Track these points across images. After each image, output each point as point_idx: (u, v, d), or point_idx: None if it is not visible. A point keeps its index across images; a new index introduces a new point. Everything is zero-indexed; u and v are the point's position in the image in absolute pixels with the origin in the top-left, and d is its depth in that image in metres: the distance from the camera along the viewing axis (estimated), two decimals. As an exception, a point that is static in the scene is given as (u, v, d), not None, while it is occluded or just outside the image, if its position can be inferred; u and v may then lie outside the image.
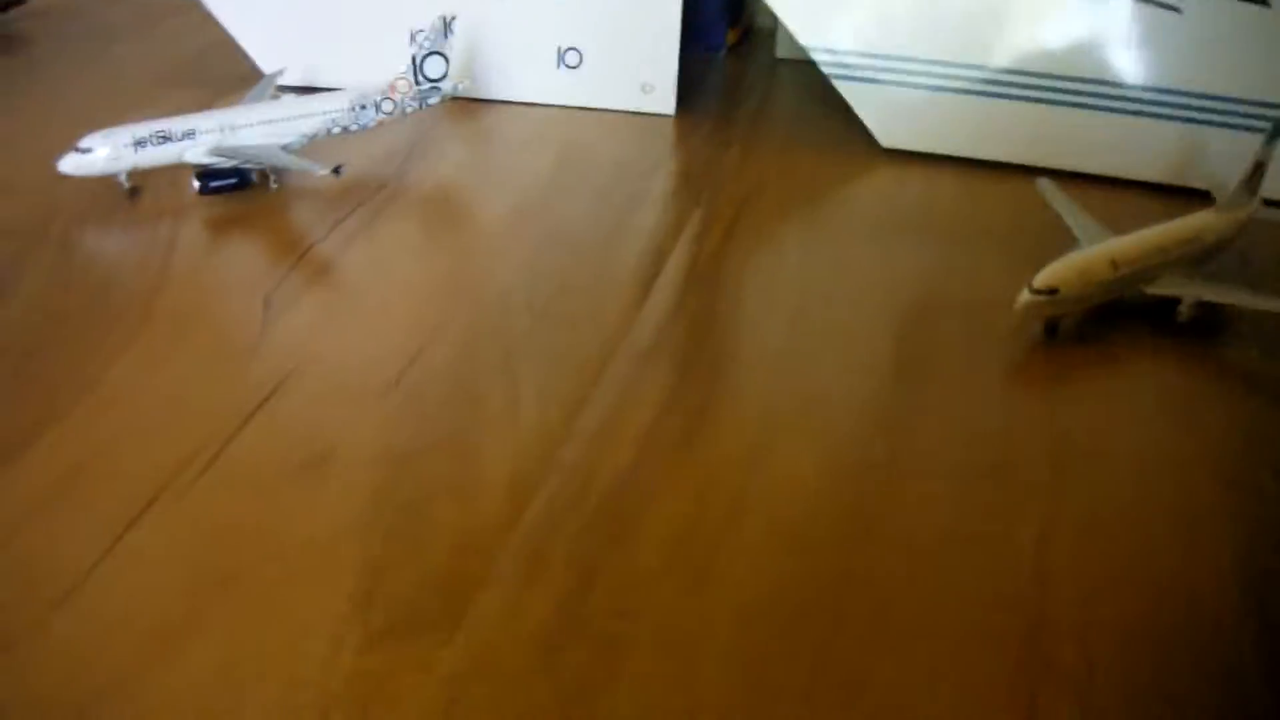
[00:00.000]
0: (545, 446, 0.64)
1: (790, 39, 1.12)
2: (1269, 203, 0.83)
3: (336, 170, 0.87)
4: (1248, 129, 0.88)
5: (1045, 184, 0.86)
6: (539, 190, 0.93)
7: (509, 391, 0.69)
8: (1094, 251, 0.74)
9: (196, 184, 0.90)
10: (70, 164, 0.88)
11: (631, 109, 1.04)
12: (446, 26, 0.95)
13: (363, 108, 0.94)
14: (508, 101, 1.06)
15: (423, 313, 0.77)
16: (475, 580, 0.56)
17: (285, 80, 1.04)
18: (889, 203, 0.93)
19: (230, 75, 1.09)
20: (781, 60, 1.18)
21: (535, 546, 0.58)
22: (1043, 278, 0.71)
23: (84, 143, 0.88)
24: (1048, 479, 0.63)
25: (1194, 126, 0.91)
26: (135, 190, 0.90)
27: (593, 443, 0.65)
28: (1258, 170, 0.80)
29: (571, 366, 0.71)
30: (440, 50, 0.95)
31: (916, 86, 0.96)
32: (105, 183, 0.89)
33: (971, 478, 0.63)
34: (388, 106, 0.95)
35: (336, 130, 0.94)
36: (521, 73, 1.05)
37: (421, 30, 0.96)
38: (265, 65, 1.08)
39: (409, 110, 0.96)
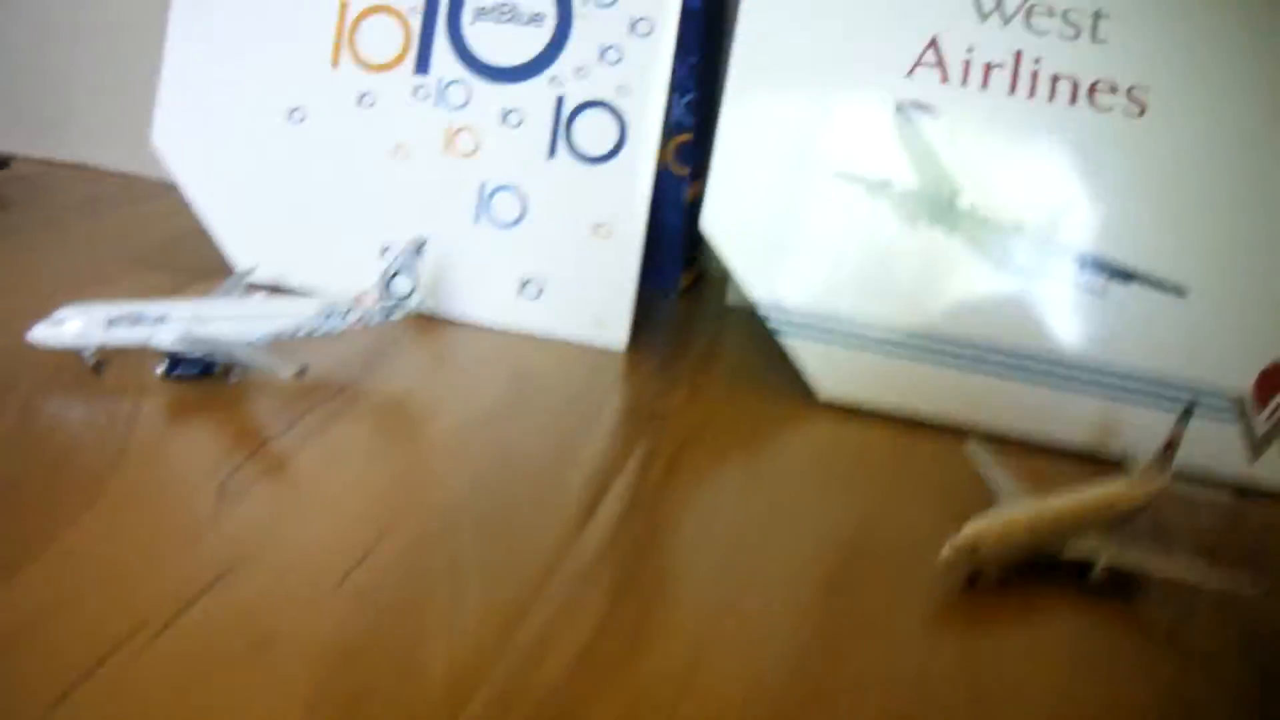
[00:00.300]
0: (483, 656, 0.66)
1: (740, 289, 1.18)
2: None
3: (300, 372, 0.90)
4: (1162, 407, 0.94)
5: (974, 447, 0.90)
6: (491, 410, 0.96)
7: (451, 599, 0.71)
8: (1014, 512, 0.78)
9: (161, 368, 0.92)
10: (41, 334, 0.90)
11: (584, 340, 1.08)
12: (418, 249, 1.00)
13: (330, 315, 0.98)
14: (467, 323, 1.10)
15: (373, 515, 0.79)
16: (408, 777, 0.57)
17: (256, 278, 1.08)
18: (825, 451, 0.97)
19: (201, 265, 1.13)
20: (731, 308, 1.24)
21: (469, 749, 0.59)
22: (964, 536, 0.75)
23: (59, 314, 0.91)
24: (965, 724, 0.65)
25: (1113, 402, 0.97)
26: (100, 365, 0.92)
27: (529, 656, 0.66)
28: (1170, 446, 0.85)
29: (513, 580, 0.73)
30: (409, 269, 1.00)
31: (856, 346, 1.01)
32: (71, 355, 0.91)
33: (893, 716, 0.65)
34: (354, 316, 0.99)
35: (302, 334, 0.97)
36: (483, 296, 1.10)
37: (390, 249, 1.00)
38: (237, 259, 1.12)
39: (373, 323, 1.00)
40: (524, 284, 1.09)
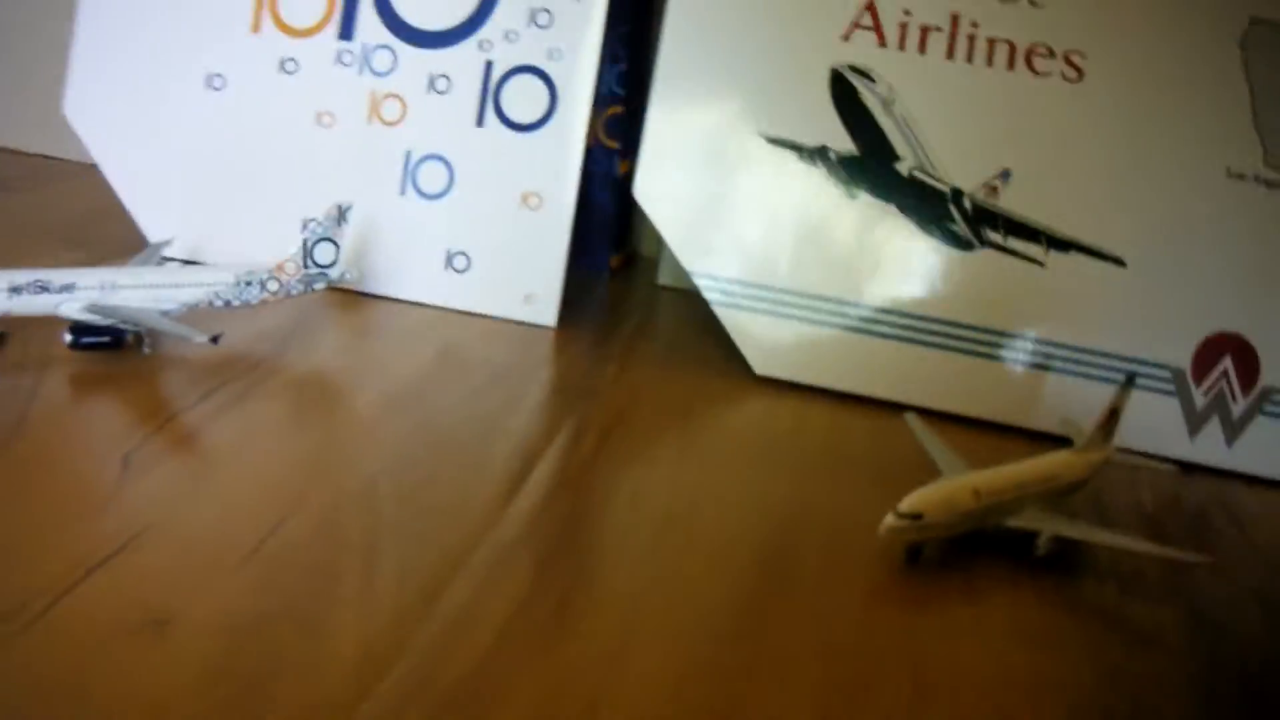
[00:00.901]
0: (400, 629, 0.61)
1: (673, 267, 1.15)
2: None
3: (215, 339, 0.84)
4: (1102, 379, 0.91)
5: (912, 418, 0.87)
6: (414, 385, 0.91)
7: (367, 572, 0.66)
8: (959, 481, 0.74)
9: (69, 337, 0.86)
10: None
11: (514, 317, 1.04)
12: (341, 215, 0.95)
13: (248, 284, 0.92)
14: (392, 298, 1.05)
15: (286, 489, 0.74)
16: (314, 758, 0.52)
17: (172, 252, 1.02)
18: (760, 426, 0.93)
19: (116, 240, 1.06)
20: (663, 288, 1.19)
21: (382, 726, 0.54)
22: (909, 502, 0.71)
23: (-39, 283, 0.84)
24: (909, 700, 0.61)
25: (1053, 375, 0.94)
26: (2, 337, 0.86)
27: (449, 629, 0.62)
28: (1112, 416, 0.82)
29: (433, 553, 0.68)
30: (332, 237, 0.95)
31: (793, 319, 0.98)
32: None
33: (832, 692, 0.61)
34: (273, 286, 0.93)
35: (219, 303, 0.92)
36: (409, 271, 1.05)
37: (314, 218, 0.95)
38: (153, 235, 1.06)
39: (294, 292, 0.94)
40: (451, 257, 1.04)
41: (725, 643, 0.64)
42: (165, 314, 0.89)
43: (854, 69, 0.96)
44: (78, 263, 0.97)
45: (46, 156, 1.35)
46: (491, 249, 1.04)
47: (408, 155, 1.04)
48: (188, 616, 0.60)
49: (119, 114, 1.08)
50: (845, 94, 0.96)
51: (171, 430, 0.79)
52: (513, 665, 0.59)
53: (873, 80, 0.96)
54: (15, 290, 0.85)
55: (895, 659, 0.64)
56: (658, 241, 1.16)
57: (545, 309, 1.03)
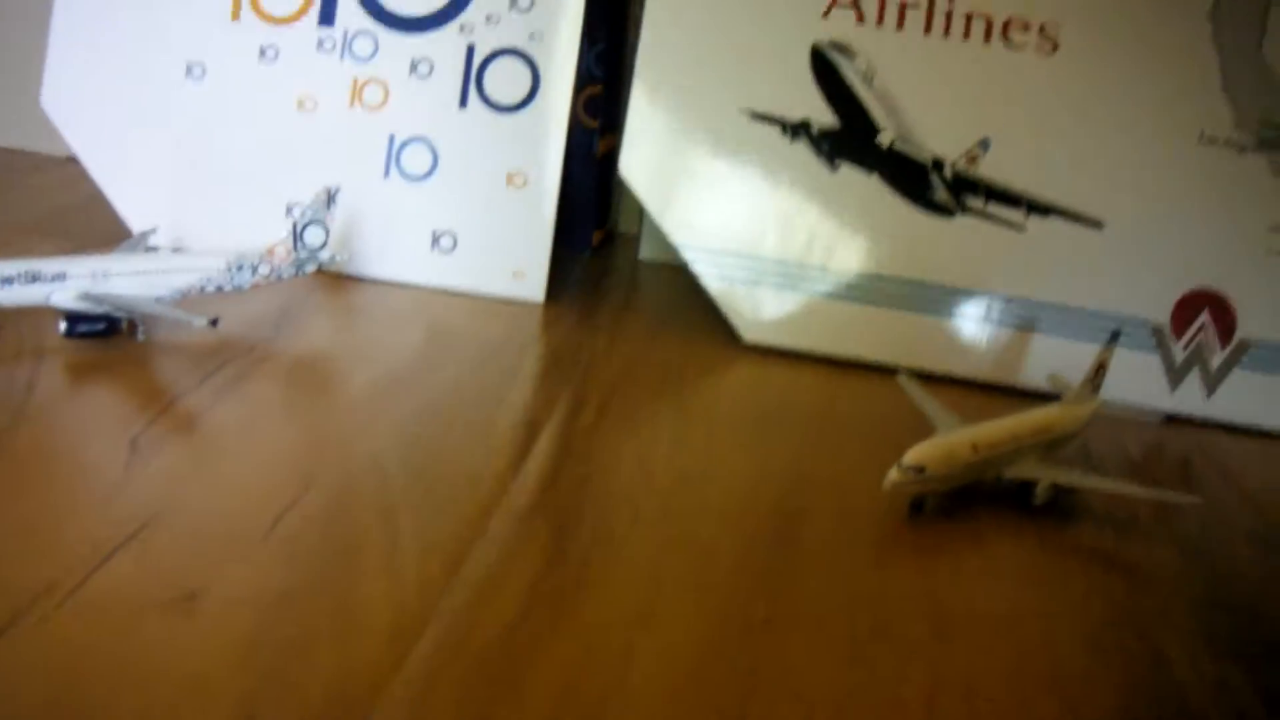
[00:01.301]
0: (427, 596, 0.61)
1: (654, 243, 1.15)
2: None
3: (213, 322, 0.84)
4: (1085, 338, 0.92)
5: (905, 378, 0.87)
6: (410, 363, 0.91)
7: (388, 542, 0.65)
8: (957, 435, 0.75)
9: (63, 326, 0.85)
10: None
11: (502, 294, 1.03)
12: (330, 198, 0.94)
13: (239, 269, 0.91)
14: (380, 280, 1.04)
15: (295, 467, 0.74)
16: (358, 721, 0.52)
17: (157, 241, 1.01)
18: (755, 393, 0.93)
19: (97, 232, 1.05)
20: (645, 263, 1.19)
21: (419, 692, 0.54)
22: (911, 456, 0.72)
23: (-54, 275, 0.83)
24: (928, 641, 0.62)
25: (1036, 334, 0.95)
26: (-8, 325, 0.85)
27: (476, 594, 0.62)
28: (1099, 370, 0.83)
29: (451, 523, 0.68)
30: (321, 220, 0.94)
31: (779, 288, 0.98)
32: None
33: (854, 638, 0.61)
34: (264, 270, 0.92)
35: (210, 289, 0.91)
36: (396, 252, 1.04)
37: (299, 203, 0.94)
38: (136, 225, 1.05)
39: (285, 276, 0.94)
40: (438, 237, 1.04)
41: (747, 600, 0.64)
42: (157, 300, 0.88)
43: (834, 44, 0.97)
44: (59, 252, 0.96)
45: (20, 150, 1.33)
46: (478, 228, 1.04)
47: (391, 139, 1.04)
48: (216, 592, 0.59)
49: (98, 105, 1.06)
50: (826, 70, 0.97)
51: (175, 414, 0.78)
52: (542, 628, 0.59)
53: (852, 55, 0.97)
54: (6, 281, 0.84)
55: (912, 604, 0.65)
56: (638, 218, 1.16)
57: (533, 284, 1.03)
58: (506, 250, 1.03)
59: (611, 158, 1.02)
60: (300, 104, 1.04)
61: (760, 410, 0.89)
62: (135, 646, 0.55)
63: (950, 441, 0.74)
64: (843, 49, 0.97)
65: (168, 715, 0.51)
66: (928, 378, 0.91)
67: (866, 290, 0.97)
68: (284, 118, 1.05)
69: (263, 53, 1.05)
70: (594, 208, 1.19)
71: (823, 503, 0.75)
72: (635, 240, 1.21)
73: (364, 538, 0.66)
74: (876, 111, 0.97)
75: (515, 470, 0.75)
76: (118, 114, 1.06)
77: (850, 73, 0.97)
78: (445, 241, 1.04)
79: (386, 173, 1.04)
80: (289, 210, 1.03)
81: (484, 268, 1.04)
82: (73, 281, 0.86)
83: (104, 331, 0.86)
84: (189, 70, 1.06)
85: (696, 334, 1.01)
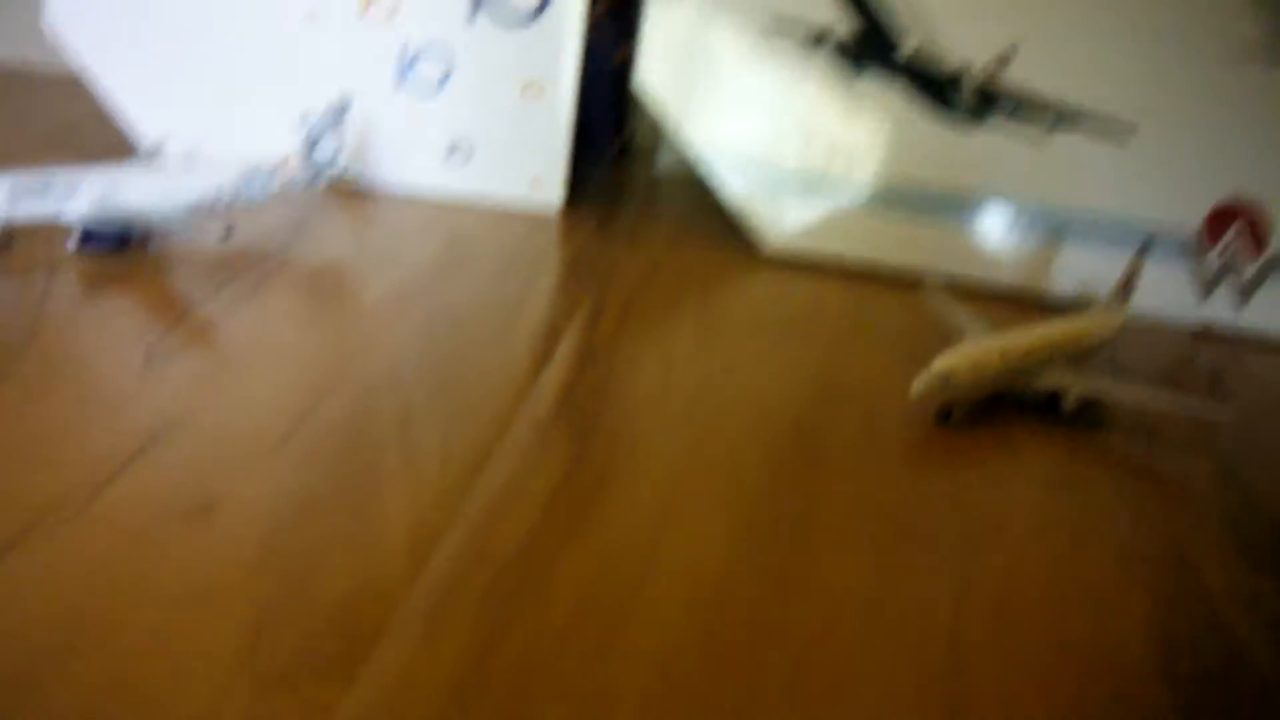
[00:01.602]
0: (447, 502, 0.59)
1: (671, 156, 1.12)
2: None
3: (227, 234, 0.82)
4: (1115, 248, 0.89)
5: (932, 285, 0.85)
6: (427, 272, 0.89)
7: (407, 449, 0.64)
8: (985, 343, 0.73)
9: (73, 242, 0.83)
10: None
11: (519, 203, 1.01)
12: (342, 111, 0.91)
13: (253, 181, 0.89)
14: (395, 191, 1.02)
15: (313, 375, 0.72)
16: (377, 630, 0.51)
17: (166, 153, 0.99)
18: (776, 302, 0.91)
19: (107, 144, 1.03)
20: (663, 175, 1.17)
21: (440, 598, 0.53)
22: (939, 364, 0.70)
23: (-44, 188, 0.81)
24: (955, 548, 0.60)
25: (1065, 244, 0.92)
26: (9, 240, 0.83)
27: (496, 500, 0.60)
28: (1129, 280, 0.81)
29: (470, 428, 0.67)
30: (333, 133, 0.91)
31: (799, 196, 0.96)
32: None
33: (882, 544, 0.60)
34: (278, 182, 0.90)
35: (224, 201, 0.88)
36: (410, 163, 1.02)
37: (311, 114, 0.92)
38: (143, 134, 1.02)
39: (298, 188, 0.91)
40: (452, 148, 1.01)
41: (772, 505, 0.62)
42: (170, 212, 0.86)
43: (857, -58, 0.93)
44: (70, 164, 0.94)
45: (18, 68, 1.30)
46: (493, 137, 1.01)
47: (403, 49, 1.01)
48: (233, 500, 0.58)
49: (103, 16, 1.03)
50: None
51: (189, 324, 0.77)
52: (562, 535, 0.58)
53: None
54: (18, 194, 0.82)
55: (941, 510, 0.63)
56: (653, 133, 1.13)
57: (549, 193, 1.01)
58: (522, 159, 1.01)
59: (628, 67, 0.99)
60: (310, 15, 1.01)
61: (783, 320, 0.87)
62: (150, 558, 0.53)
63: (978, 350, 0.72)
64: (867, -51, 0.93)
65: (184, 626, 0.50)
66: (953, 287, 0.89)
67: (890, 198, 0.95)
68: (294, 27, 1.01)
69: (274, -40, 1.02)
70: (610, 118, 1.16)
71: (848, 410, 0.73)
72: (652, 153, 1.18)
73: (382, 445, 0.64)
74: (901, 16, 0.93)
75: (533, 378, 0.74)
76: (124, 24, 1.03)
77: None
78: (461, 151, 1.01)
79: (399, 83, 1.01)
80: (301, 119, 1.00)
81: (501, 176, 1.01)
82: (85, 194, 0.84)
83: (118, 245, 0.84)
84: (198, -22, 1.03)
85: (717, 244, 0.98)
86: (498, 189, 1.01)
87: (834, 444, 0.69)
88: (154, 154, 0.96)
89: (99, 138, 1.05)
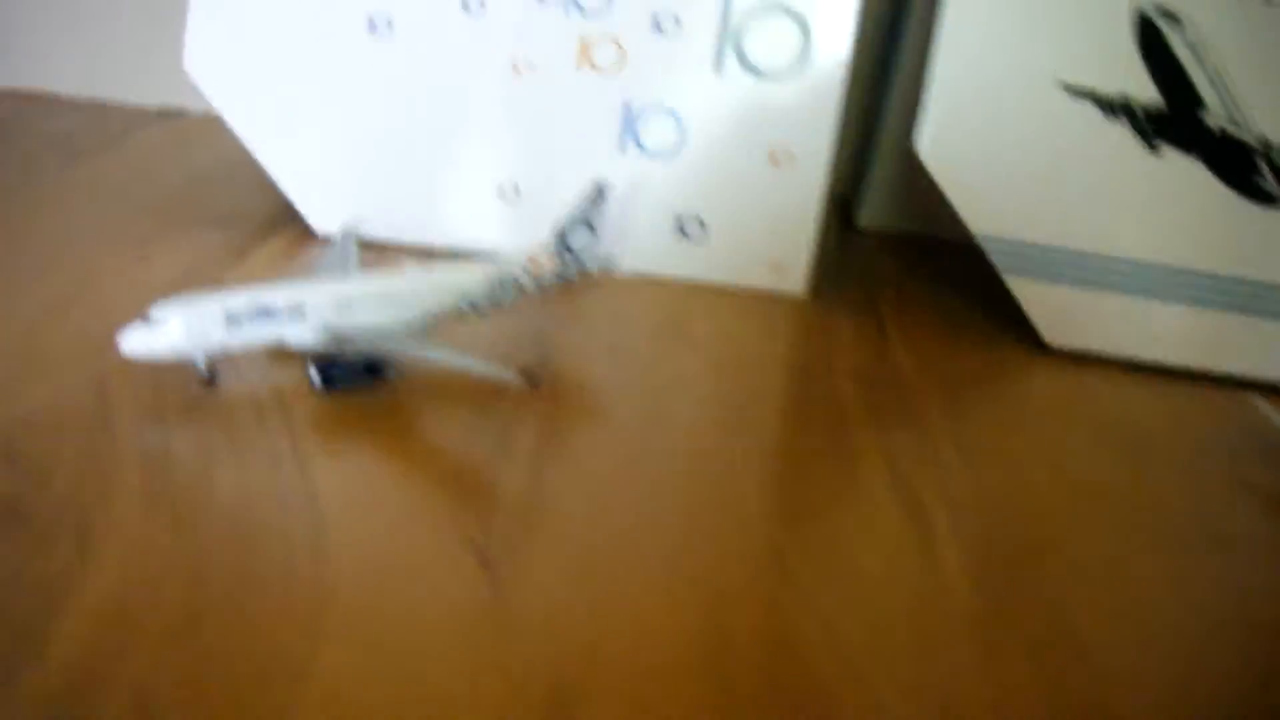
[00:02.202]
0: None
1: (873, 210, 1.01)
2: None
3: (534, 383, 0.67)
4: None
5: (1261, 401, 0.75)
6: (706, 380, 0.76)
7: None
8: None
9: (317, 377, 0.68)
10: (137, 342, 0.64)
11: (756, 288, 0.88)
12: (599, 196, 0.76)
13: (501, 285, 0.74)
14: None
15: (673, 580, 0.58)
16: None
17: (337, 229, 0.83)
18: (1067, 406, 0.80)
19: (253, 210, 0.86)
20: (867, 231, 1.05)
21: None
22: None
23: (156, 312, 0.64)
24: None
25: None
26: (213, 376, 0.67)
27: None
28: None
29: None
30: (590, 223, 0.77)
31: (1087, 284, 0.84)
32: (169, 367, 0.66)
33: None
34: (529, 284, 0.75)
35: (466, 309, 0.74)
36: (632, 239, 0.87)
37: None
38: (304, 206, 0.87)
39: (549, 289, 0.76)
40: (683, 222, 0.87)
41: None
42: (408, 329, 0.71)
43: (1161, 10, 0.81)
44: (222, 242, 0.78)
45: (94, 102, 1.12)
46: (731, 212, 0.87)
47: (627, 107, 0.86)
48: None
49: (252, 65, 0.87)
50: (1152, 39, 0.81)
51: (506, 503, 0.60)
52: None
53: (1180, 23, 0.81)
54: (233, 319, 0.66)
55: None
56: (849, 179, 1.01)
57: (794, 277, 0.88)
58: (764, 238, 0.87)
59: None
60: (514, 67, 0.85)
61: (1088, 427, 0.76)
62: None
63: None
64: (1171, 16, 0.81)
65: None
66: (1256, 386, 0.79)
67: (1189, 289, 0.84)
68: (493, 82, 0.86)
69: (466, 4, 0.85)
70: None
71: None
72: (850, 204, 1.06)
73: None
74: (1204, 87, 0.81)
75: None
76: (279, 75, 0.87)
77: (1179, 44, 0.81)
78: (691, 227, 0.87)
79: (622, 147, 0.86)
80: (500, 192, 0.85)
81: (736, 258, 0.87)
82: (313, 315, 0.68)
83: (370, 383, 0.69)
84: (370, 24, 0.86)
85: (987, 334, 0.86)
86: (731, 271, 0.88)
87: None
88: (351, 240, 0.80)
89: (237, 199, 0.90)
